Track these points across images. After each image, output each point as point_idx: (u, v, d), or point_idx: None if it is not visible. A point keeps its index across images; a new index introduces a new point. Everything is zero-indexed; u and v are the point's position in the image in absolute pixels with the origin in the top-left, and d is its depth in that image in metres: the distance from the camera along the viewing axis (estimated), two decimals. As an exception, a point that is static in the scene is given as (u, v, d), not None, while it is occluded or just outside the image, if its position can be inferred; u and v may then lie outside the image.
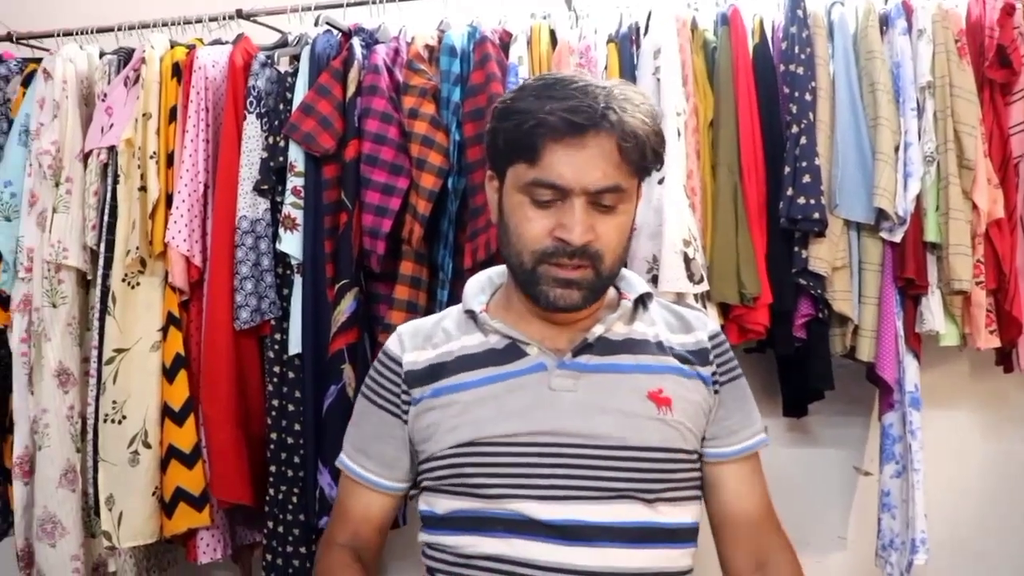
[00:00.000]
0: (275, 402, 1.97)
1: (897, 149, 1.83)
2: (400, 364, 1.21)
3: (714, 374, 1.21)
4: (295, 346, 1.95)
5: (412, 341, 1.23)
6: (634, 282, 1.24)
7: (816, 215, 1.77)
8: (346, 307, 1.88)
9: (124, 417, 1.97)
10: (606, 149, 1.06)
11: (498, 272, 1.29)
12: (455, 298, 1.88)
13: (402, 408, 1.20)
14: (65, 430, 2.03)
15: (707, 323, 1.27)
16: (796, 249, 1.82)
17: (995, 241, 1.86)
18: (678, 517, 1.16)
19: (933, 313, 1.85)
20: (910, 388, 1.89)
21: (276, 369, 1.98)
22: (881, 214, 1.83)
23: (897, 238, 1.83)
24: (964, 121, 1.82)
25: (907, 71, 1.85)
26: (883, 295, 1.87)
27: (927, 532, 1.85)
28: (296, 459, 1.94)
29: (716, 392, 1.21)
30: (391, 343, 1.25)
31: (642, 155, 1.08)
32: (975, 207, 1.83)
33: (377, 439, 1.22)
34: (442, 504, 1.16)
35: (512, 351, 1.17)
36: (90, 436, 2.03)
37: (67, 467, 2.02)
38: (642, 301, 1.22)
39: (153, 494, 1.96)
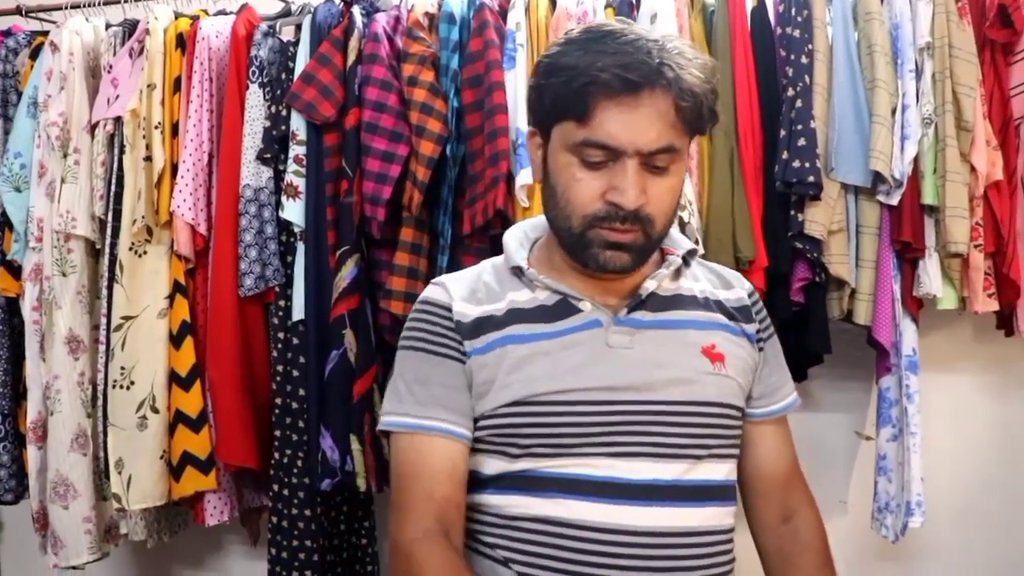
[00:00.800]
0: (279, 368, 2.00)
1: (894, 111, 1.83)
2: (450, 311, 1.14)
3: (758, 331, 1.21)
4: (298, 312, 1.98)
5: (458, 291, 1.16)
6: (678, 238, 1.21)
7: (811, 178, 1.78)
8: (347, 273, 1.91)
9: (132, 383, 2.01)
10: (661, 108, 1.01)
11: (532, 225, 1.25)
12: (455, 263, 1.91)
13: (463, 357, 1.12)
14: (76, 396, 2.07)
15: (743, 281, 1.25)
16: (792, 213, 1.83)
17: (994, 204, 1.85)
18: (725, 474, 1.15)
19: (930, 276, 1.86)
20: (907, 352, 1.89)
21: (280, 335, 2.01)
22: (878, 177, 1.82)
23: (894, 201, 1.83)
24: (963, 82, 1.81)
25: (906, 32, 1.84)
26: (880, 258, 1.87)
27: (923, 495, 1.87)
28: (301, 423, 1.97)
29: (761, 350, 1.21)
30: (434, 293, 1.17)
31: (699, 114, 1.04)
32: (973, 169, 1.83)
33: (453, 389, 1.12)
34: (490, 464, 1.12)
35: (564, 307, 1.13)
36: (100, 401, 2.08)
37: (78, 431, 2.07)
38: (684, 259, 1.19)
39: (161, 458, 2.01)
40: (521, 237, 1.22)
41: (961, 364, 2.15)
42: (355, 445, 1.88)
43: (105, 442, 2.03)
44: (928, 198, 1.83)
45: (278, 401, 2.00)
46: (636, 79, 0.99)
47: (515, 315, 1.12)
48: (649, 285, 1.13)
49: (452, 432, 1.10)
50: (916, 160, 1.83)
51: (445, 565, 1.06)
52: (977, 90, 1.81)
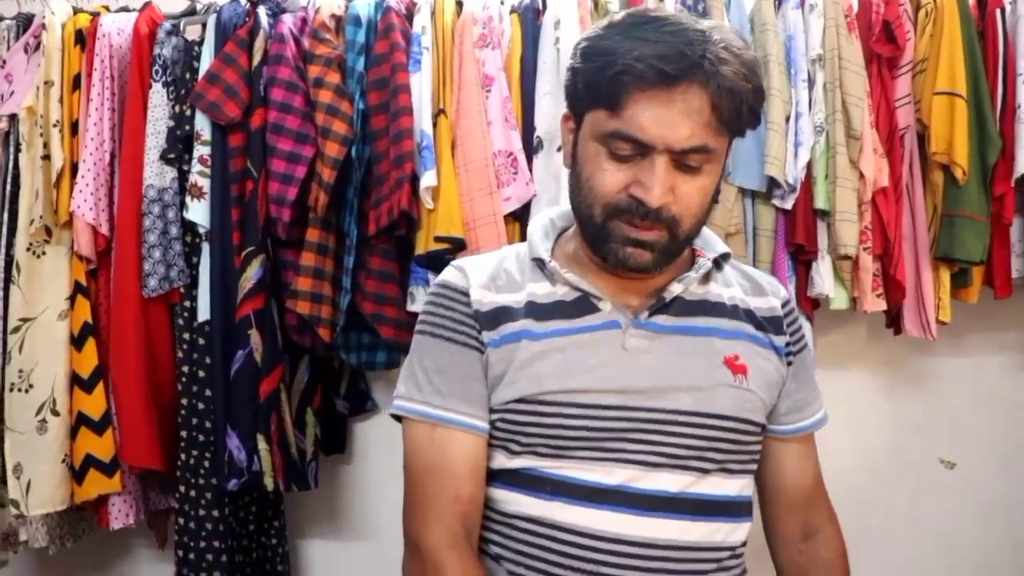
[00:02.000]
0: (185, 368, 1.99)
1: (788, 119, 1.90)
2: (468, 297, 1.09)
3: (788, 344, 1.14)
4: (204, 313, 1.96)
5: (476, 277, 1.11)
6: (711, 240, 1.15)
7: (708, 183, 1.83)
8: (252, 274, 1.90)
9: (31, 386, 1.97)
10: (697, 105, 0.95)
11: (560, 215, 1.19)
12: (361, 264, 1.92)
13: (481, 347, 1.08)
14: (-30, 400, 2.02)
15: (779, 289, 1.19)
16: (690, 216, 1.88)
17: (881, 208, 1.93)
18: (737, 490, 1.09)
19: (823, 277, 1.94)
20: (801, 350, 1.97)
21: (186, 336, 1.99)
22: (773, 182, 1.89)
23: (788, 205, 1.90)
24: (852, 92, 1.89)
25: (799, 44, 1.91)
26: (776, 260, 1.94)
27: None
28: (207, 424, 1.96)
29: (789, 364, 1.15)
30: (452, 277, 1.12)
31: (737, 114, 0.97)
32: (862, 176, 1.91)
33: (473, 380, 1.07)
34: (492, 458, 1.08)
35: (583, 305, 1.07)
36: (-3, 406, 2.03)
37: (-28, 437, 2.01)
38: (716, 262, 1.13)
39: (63, 461, 1.97)
40: (547, 226, 1.17)
41: (855, 363, 2.24)
42: (262, 445, 1.88)
43: (2, 447, 1.98)
44: (820, 202, 1.91)
45: (184, 402, 1.98)
46: (672, 72, 0.93)
47: (532, 309, 1.07)
48: (675, 288, 1.08)
49: (474, 426, 1.06)
50: (809, 166, 1.90)
51: None
52: (865, 100, 1.89)
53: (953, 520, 2.22)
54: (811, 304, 2.00)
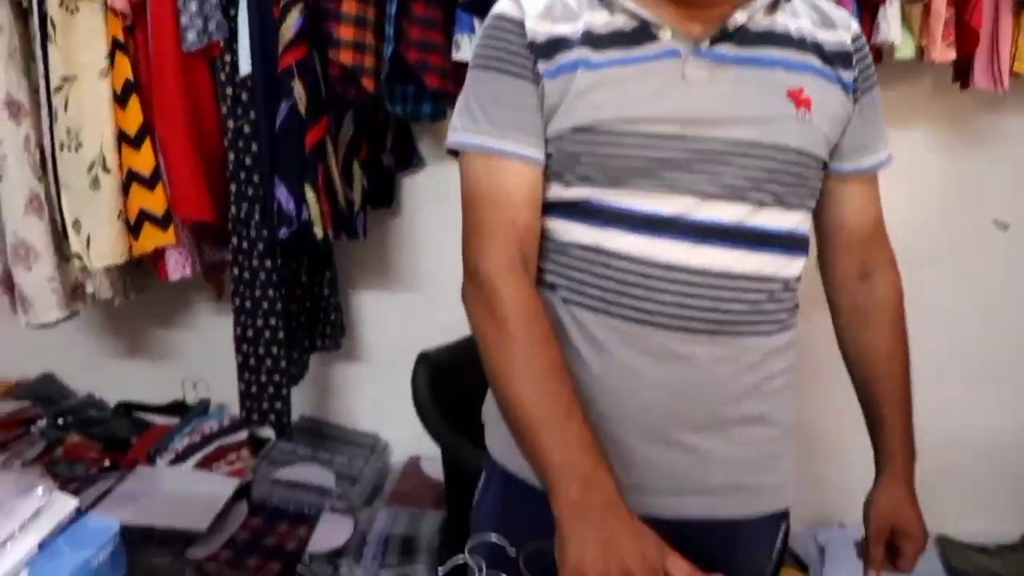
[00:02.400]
0: (230, 123, 1.97)
1: None
2: (523, 27, 1.06)
3: (855, 80, 1.11)
4: (245, 66, 1.92)
5: (531, 6, 1.07)
6: None
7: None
8: (292, 23, 1.84)
9: (80, 144, 1.97)
10: None
11: None
12: (404, 10, 1.85)
13: (536, 77, 1.06)
14: (24, 161, 2.02)
15: (850, 22, 1.13)
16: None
17: (962, -54, 1.79)
18: (794, 224, 1.09)
19: (890, 23, 1.81)
20: (862, 101, 1.89)
21: (228, 91, 1.97)
22: (843, -85, 1.75)
23: (858, -57, 1.77)
24: None
25: None
26: (840, 4, 1.82)
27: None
28: (255, 177, 1.97)
29: (855, 101, 1.12)
30: (507, 7, 1.08)
31: None
32: (944, -92, 1.75)
33: (528, 111, 1.06)
34: (547, 189, 1.09)
35: (641, 34, 1.04)
36: (50, 165, 2.04)
37: (31, 195, 2.03)
38: None
39: (118, 217, 2.01)
40: None
41: (916, 118, 2.15)
42: (310, 194, 1.89)
43: (60, 204, 2.02)
44: (894, -61, 1.77)
45: (231, 156, 1.98)
46: None
47: (588, 39, 1.05)
48: (739, 17, 1.04)
49: (529, 157, 1.06)
50: (885, -103, 1.74)
51: (528, 300, 1.03)
52: None
53: (1002, 279, 2.21)
54: (875, 54, 1.89)
